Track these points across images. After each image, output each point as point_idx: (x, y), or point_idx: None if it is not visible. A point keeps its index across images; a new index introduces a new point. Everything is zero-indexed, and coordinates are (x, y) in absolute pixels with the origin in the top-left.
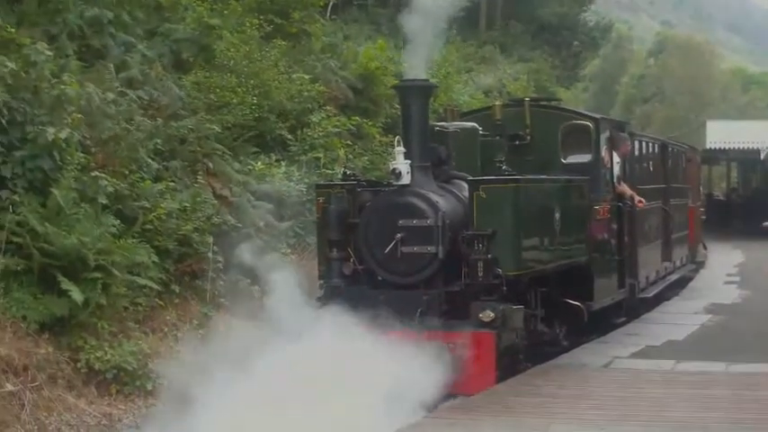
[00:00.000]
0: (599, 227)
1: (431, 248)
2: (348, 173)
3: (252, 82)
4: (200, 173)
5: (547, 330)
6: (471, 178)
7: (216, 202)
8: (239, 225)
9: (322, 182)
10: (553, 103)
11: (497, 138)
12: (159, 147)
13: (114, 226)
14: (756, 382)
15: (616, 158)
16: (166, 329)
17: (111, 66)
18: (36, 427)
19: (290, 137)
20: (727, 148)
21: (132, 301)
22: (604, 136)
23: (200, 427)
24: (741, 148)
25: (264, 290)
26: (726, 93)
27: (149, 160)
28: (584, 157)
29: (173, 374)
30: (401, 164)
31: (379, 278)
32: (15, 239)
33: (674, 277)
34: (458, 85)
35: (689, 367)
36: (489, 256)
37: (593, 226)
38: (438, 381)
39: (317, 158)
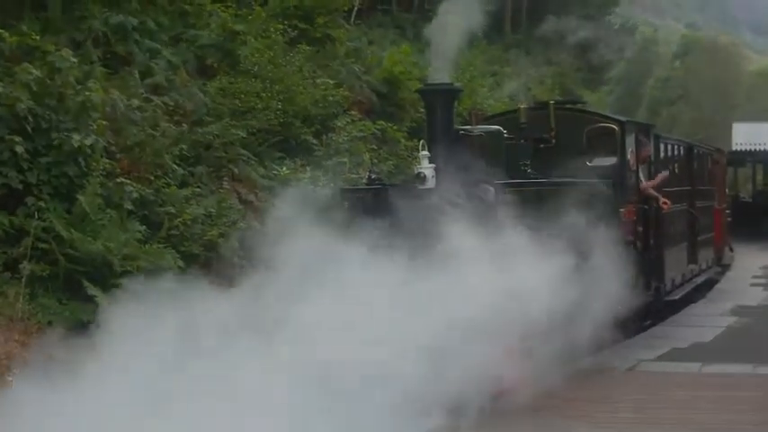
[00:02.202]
0: (624, 229)
1: None
2: (373, 177)
3: (276, 87)
4: (225, 178)
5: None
6: (496, 182)
7: (241, 207)
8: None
9: (347, 186)
10: (578, 105)
11: (522, 141)
12: (184, 152)
13: (140, 231)
14: None
15: None
16: None
17: (136, 72)
18: None
19: (314, 142)
20: (753, 149)
21: None
22: (630, 138)
23: None
24: (767, 149)
25: None
26: (752, 94)
27: (174, 166)
28: (610, 160)
29: None
30: (426, 168)
31: None
32: (41, 245)
33: (700, 280)
34: (483, 89)
35: (715, 369)
36: None
37: (618, 228)
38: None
39: (343, 163)
